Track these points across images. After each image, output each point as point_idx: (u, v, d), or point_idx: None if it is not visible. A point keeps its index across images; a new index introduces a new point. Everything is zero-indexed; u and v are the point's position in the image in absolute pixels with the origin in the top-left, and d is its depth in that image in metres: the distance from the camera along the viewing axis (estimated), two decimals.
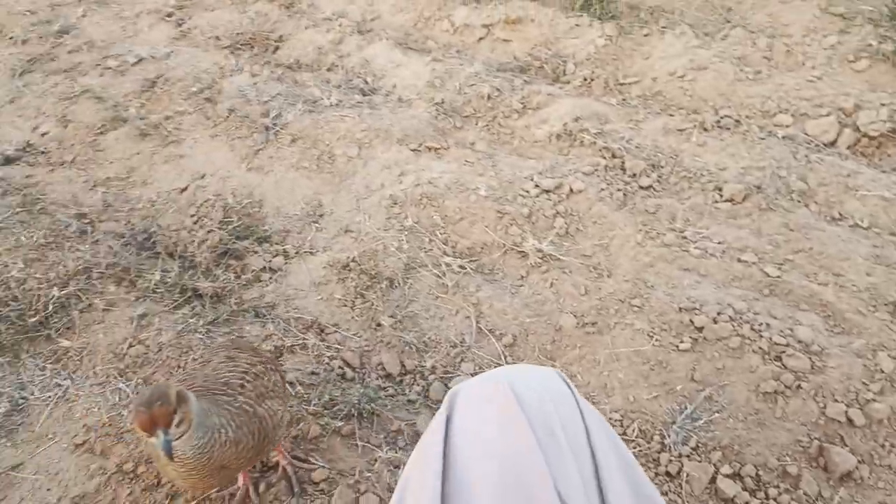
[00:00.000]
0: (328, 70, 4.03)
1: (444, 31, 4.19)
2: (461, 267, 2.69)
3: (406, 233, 2.84)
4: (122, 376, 2.29)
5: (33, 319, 2.45)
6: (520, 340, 2.41)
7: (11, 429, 2.14)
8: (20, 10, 4.74)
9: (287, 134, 3.42)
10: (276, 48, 4.26)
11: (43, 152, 3.59)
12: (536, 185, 2.92)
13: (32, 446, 2.09)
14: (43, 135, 3.70)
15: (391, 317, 2.56)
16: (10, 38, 4.50)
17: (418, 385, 2.33)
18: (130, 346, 2.37)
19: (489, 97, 3.54)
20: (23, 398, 2.24)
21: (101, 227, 2.99)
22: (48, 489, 1.97)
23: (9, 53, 4.37)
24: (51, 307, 2.48)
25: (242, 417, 1.58)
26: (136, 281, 2.68)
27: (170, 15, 4.64)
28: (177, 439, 1.41)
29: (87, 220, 3.03)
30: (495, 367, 2.35)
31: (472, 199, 2.89)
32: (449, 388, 2.32)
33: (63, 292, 2.54)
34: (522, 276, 2.64)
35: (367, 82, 3.87)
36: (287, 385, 1.93)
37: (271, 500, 1.89)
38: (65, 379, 2.30)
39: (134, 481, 1.97)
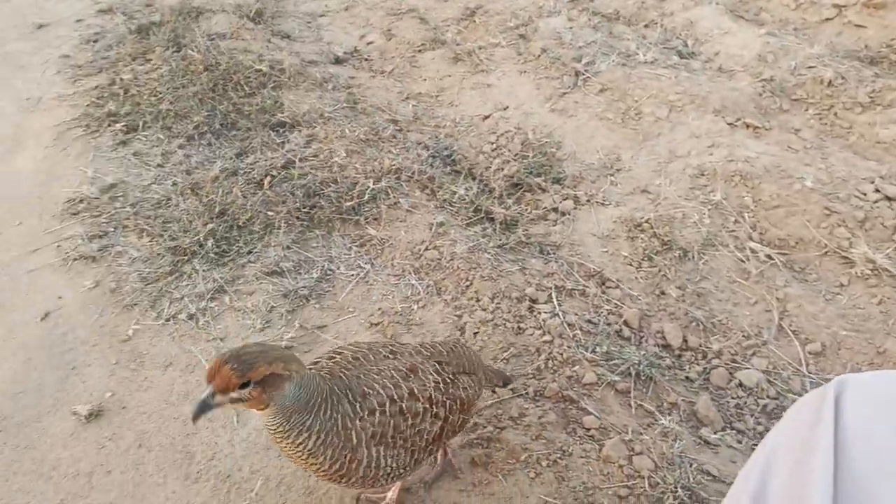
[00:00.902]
0: (646, 26, 3.86)
1: (783, 4, 3.79)
2: (768, 257, 2.45)
3: (710, 207, 2.65)
4: (416, 274, 2.43)
5: (348, 204, 2.68)
6: (829, 351, 2.15)
7: (320, 294, 2.37)
8: None
9: (596, 82, 3.34)
10: None
11: (366, 59, 3.90)
12: (877, 190, 2.55)
13: (335, 314, 2.31)
14: (368, 44, 4.01)
15: (679, 288, 2.42)
16: None
17: (699, 365, 2.19)
18: (427, 248, 2.50)
19: (830, 84, 3.14)
20: (330, 270, 2.47)
21: (410, 136, 3.18)
22: None
23: None
24: (366, 196, 2.69)
25: (337, 441, 1.33)
26: (436, 191, 2.81)
27: None
28: (245, 407, 1.25)
29: (398, 127, 3.25)
30: (794, 371, 2.12)
31: (795, 188, 2.60)
32: (735, 378, 2.15)
33: (376, 186, 2.74)
34: (842, 284, 2.34)
35: (686, 45, 3.64)
36: (445, 444, 1.62)
37: (539, 431, 1.89)
38: (366, 263, 2.49)
39: None
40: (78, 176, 2.88)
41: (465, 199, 2.76)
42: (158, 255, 2.47)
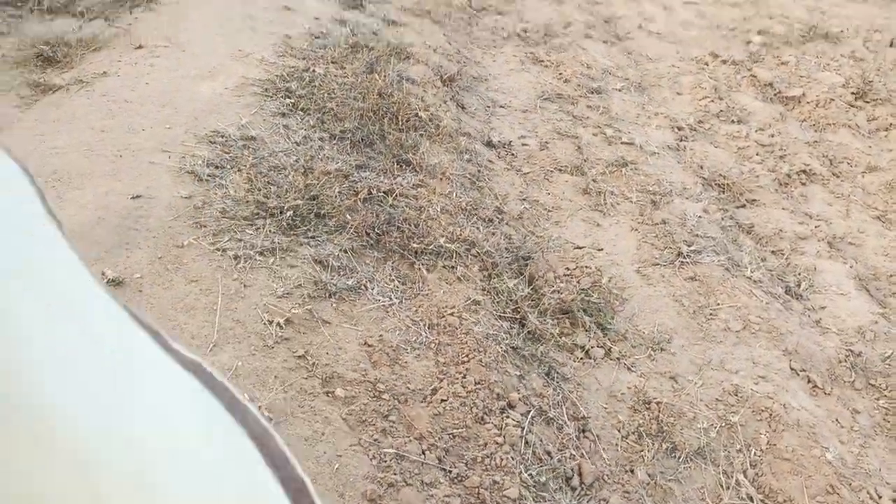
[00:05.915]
0: (773, 252, 3.87)
1: None
2: (749, 499, 2.36)
3: (723, 424, 2.59)
4: (428, 328, 2.58)
5: (415, 245, 2.91)
6: None
7: (343, 298, 2.58)
8: None
9: (692, 270, 3.40)
10: None
11: (513, 154, 4.21)
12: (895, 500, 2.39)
13: (342, 318, 2.50)
14: (523, 144, 4.34)
15: (649, 475, 2.38)
16: None
17: None
18: (451, 314, 2.65)
19: None
20: (365, 287, 2.68)
21: (504, 227, 3.39)
22: None
23: None
24: (431, 248, 2.91)
25: None
26: (492, 277, 2.97)
27: None
28: None
29: (499, 216, 3.47)
30: None
31: (814, 453, 2.50)
32: None
33: (447, 245, 2.95)
34: None
35: (799, 285, 3.61)
36: None
37: None
38: (397, 297, 2.69)
39: None
40: (234, 119, 3.36)
41: (511, 296, 2.90)
42: (247, 202, 2.81)
